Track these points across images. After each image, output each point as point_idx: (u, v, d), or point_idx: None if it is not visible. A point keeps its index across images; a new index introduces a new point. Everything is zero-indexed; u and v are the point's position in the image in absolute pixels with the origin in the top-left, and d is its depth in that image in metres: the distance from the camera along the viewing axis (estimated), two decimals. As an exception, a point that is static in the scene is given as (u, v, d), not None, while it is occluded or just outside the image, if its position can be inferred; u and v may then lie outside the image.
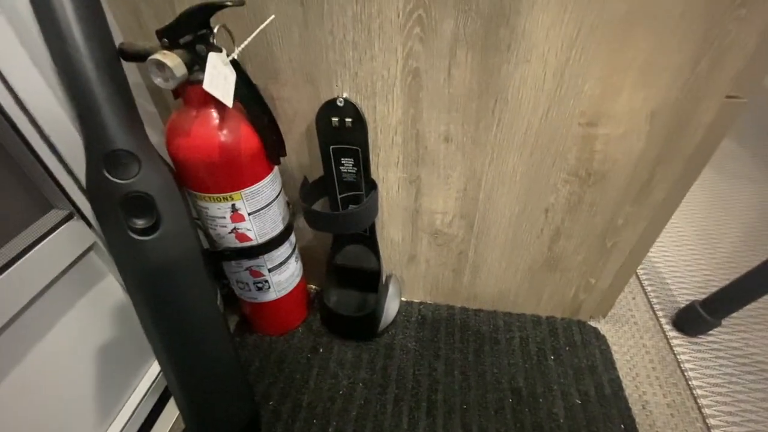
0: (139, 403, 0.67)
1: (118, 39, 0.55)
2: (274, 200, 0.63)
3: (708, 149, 0.59)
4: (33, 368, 0.52)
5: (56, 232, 0.52)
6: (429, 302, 0.90)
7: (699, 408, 0.73)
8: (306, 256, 0.86)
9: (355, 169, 0.65)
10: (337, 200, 0.70)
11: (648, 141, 0.57)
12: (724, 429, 0.69)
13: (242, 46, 0.51)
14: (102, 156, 0.47)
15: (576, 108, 0.55)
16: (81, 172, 0.53)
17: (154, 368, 0.72)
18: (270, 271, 0.70)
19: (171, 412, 0.71)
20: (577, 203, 0.66)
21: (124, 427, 0.64)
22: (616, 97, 0.54)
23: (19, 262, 0.48)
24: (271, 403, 0.72)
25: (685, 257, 1.03)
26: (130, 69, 0.60)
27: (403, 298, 0.90)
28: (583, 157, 0.60)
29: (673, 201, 0.65)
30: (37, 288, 0.51)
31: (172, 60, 0.45)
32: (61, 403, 0.56)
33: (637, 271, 0.99)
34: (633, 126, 0.56)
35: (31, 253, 0.49)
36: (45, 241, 0.51)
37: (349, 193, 0.69)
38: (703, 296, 0.83)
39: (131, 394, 0.68)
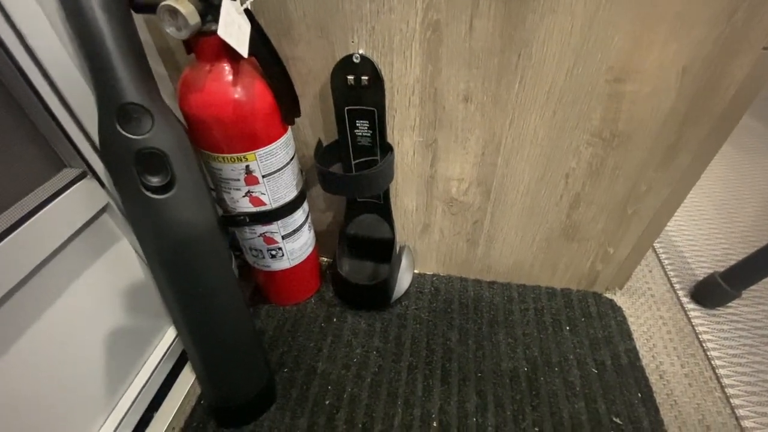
0: (155, 368, 0.67)
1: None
2: (288, 163, 0.62)
3: (739, 109, 0.56)
4: (46, 332, 0.51)
5: (69, 191, 0.51)
6: (442, 274, 0.89)
7: (718, 378, 0.72)
8: (318, 228, 0.85)
9: (371, 132, 0.63)
10: (352, 165, 0.69)
11: (677, 99, 0.55)
12: (743, 399, 0.69)
13: (256, -5, 0.49)
14: (114, 109, 0.45)
15: (603, 63, 0.53)
16: (94, 131, 0.52)
17: (171, 333, 0.72)
18: (284, 238, 0.69)
19: (188, 377, 0.71)
20: (600, 167, 0.64)
21: (140, 391, 0.65)
22: (647, 51, 0.51)
23: (30, 221, 0.47)
24: (285, 370, 0.72)
25: (702, 231, 1.01)
26: (139, 30, 0.58)
27: (415, 271, 0.89)
28: (609, 117, 0.58)
29: (699, 166, 0.63)
30: (49, 249, 0.50)
31: (185, 6, 0.43)
32: (75, 368, 0.56)
33: (654, 244, 0.98)
34: (662, 82, 0.54)
35: (43, 211, 0.48)
36: (57, 199, 0.49)
37: (364, 159, 0.68)
38: (722, 269, 0.81)
39: (147, 358, 0.68)
